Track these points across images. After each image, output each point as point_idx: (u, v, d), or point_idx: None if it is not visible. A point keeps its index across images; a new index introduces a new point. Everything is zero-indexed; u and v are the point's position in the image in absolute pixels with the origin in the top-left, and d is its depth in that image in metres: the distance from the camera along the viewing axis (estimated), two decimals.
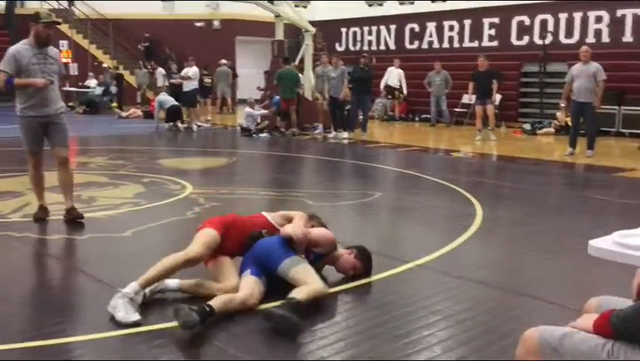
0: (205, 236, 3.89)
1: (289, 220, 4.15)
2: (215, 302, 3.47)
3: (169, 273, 3.77)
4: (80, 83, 21.42)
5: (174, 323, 3.40)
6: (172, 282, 3.84)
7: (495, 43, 17.61)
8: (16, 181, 7.58)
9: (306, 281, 3.72)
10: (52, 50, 5.86)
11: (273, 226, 4.16)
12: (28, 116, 5.67)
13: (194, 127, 15.42)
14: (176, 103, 15.59)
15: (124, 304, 3.53)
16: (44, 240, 5.41)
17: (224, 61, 19.90)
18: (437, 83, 16.54)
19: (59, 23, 6.08)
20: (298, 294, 3.58)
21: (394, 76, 18.04)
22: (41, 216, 5.86)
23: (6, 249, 5.07)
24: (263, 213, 4.33)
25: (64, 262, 5.03)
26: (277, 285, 3.83)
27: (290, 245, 3.92)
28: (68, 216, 5.78)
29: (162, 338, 3.33)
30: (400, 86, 18.08)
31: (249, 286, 3.72)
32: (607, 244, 2.41)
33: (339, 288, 4.08)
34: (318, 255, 4.13)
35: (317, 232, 4.18)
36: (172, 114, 15.37)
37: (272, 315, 3.39)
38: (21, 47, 5.64)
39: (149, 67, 21.20)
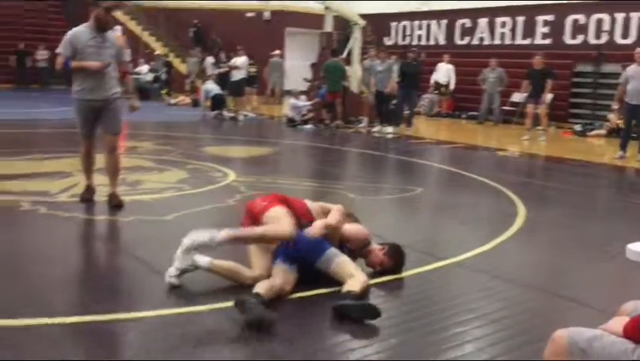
0: (287, 216, 3.90)
1: (326, 213, 4.15)
2: (261, 290, 3.52)
3: (255, 242, 3.91)
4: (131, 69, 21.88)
5: (203, 307, 3.47)
6: (203, 260, 3.81)
7: (548, 42, 17.23)
8: (66, 162, 7.80)
9: (351, 273, 3.77)
10: (110, 34, 5.89)
11: (311, 215, 4.16)
12: (83, 99, 5.73)
13: (241, 117, 15.58)
14: (221, 92, 15.78)
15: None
16: (90, 220, 5.57)
17: (277, 52, 20.00)
18: (492, 80, 16.12)
19: (120, 9, 6.19)
20: (353, 287, 3.62)
21: (442, 71, 17.83)
22: (87, 197, 5.98)
23: (53, 228, 5.23)
24: (306, 200, 4.35)
25: (108, 242, 5.18)
26: (307, 276, 3.87)
27: (325, 238, 3.95)
28: (109, 202, 5.88)
29: (195, 322, 3.41)
30: (448, 82, 17.84)
31: (282, 274, 3.77)
32: None
33: (374, 281, 4.07)
34: (350, 249, 4.15)
35: (350, 228, 4.20)
36: (217, 103, 15.58)
37: (346, 306, 3.42)
38: (79, 30, 5.70)
39: (199, 54, 21.47)
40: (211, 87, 15.90)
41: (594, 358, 1.96)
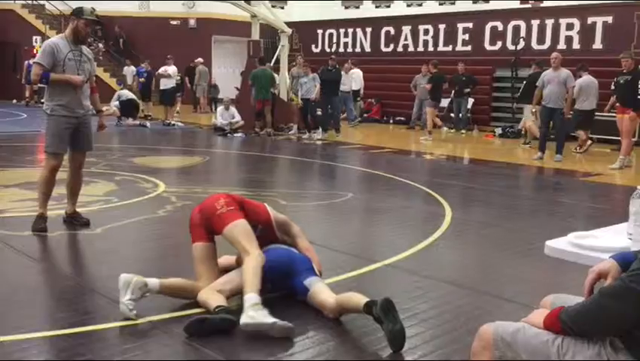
0: (250, 233, 3.78)
1: (287, 230, 4.15)
2: (221, 302, 3.51)
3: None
4: None
5: (139, 321, 3.43)
6: (153, 281, 3.66)
7: (468, 48, 17.84)
8: None
9: (329, 294, 3.75)
10: (86, 48, 5.64)
11: (272, 226, 4.09)
12: (61, 115, 5.39)
13: (147, 124, 15.77)
14: (133, 98, 16.08)
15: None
16: (15, 236, 5.35)
17: (199, 59, 19.83)
18: (423, 85, 16.47)
19: (98, 21, 5.89)
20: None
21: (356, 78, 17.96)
22: (43, 227, 5.40)
23: None
24: (267, 205, 4.23)
25: (33, 258, 4.99)
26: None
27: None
28: (76, 221, 5.65)
29: (134, 335, 3.36)
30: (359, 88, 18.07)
31: (231, 275, 3.80)
32: (562, 244, 2.52)
33: None
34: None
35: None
36: (125, 108, 15.72)
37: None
38: (59, 41, 5.40)
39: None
40: (123, 92, 16.21)
41: (518, 350, 2.09)
